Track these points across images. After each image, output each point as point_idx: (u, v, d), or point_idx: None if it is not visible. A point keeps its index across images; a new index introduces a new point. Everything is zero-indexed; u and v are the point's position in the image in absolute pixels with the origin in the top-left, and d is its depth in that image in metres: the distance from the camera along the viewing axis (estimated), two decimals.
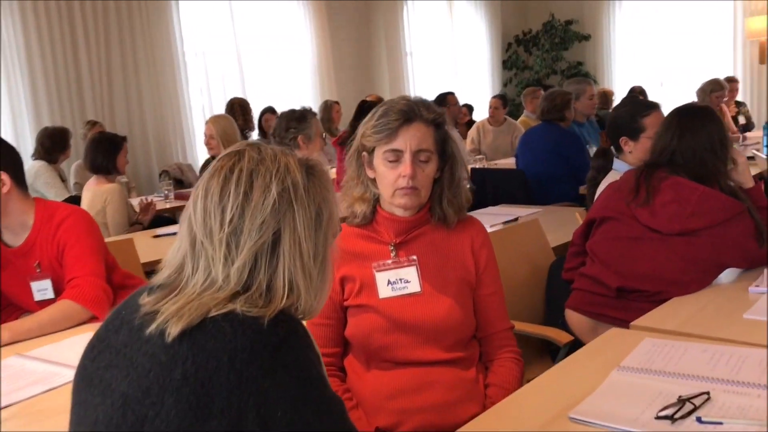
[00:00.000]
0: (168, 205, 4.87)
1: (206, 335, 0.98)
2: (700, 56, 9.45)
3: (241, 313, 1.00)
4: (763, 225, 2.16)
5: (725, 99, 6.60)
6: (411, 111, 1.67)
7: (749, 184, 2.30)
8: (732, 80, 7.56)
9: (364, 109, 5.29)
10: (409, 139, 1.66)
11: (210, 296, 1.03)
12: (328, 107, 7.51)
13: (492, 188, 4.40)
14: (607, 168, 2.89)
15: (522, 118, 7.39)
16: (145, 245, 3.15)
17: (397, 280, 1.73)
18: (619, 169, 2.81)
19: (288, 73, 7.98)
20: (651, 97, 8.00)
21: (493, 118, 6.80)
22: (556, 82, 10.10)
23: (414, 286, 1.73)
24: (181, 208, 4.70)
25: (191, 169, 6.39)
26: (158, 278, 1.10)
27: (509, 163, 5.55)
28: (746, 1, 9.04)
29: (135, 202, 4.40)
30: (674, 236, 2.13)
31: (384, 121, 1.67)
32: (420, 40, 9.16)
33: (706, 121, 2.25)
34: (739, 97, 8.02)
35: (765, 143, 5.32)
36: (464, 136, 7.04)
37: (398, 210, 1.75)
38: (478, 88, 9.88)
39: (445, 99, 6.43)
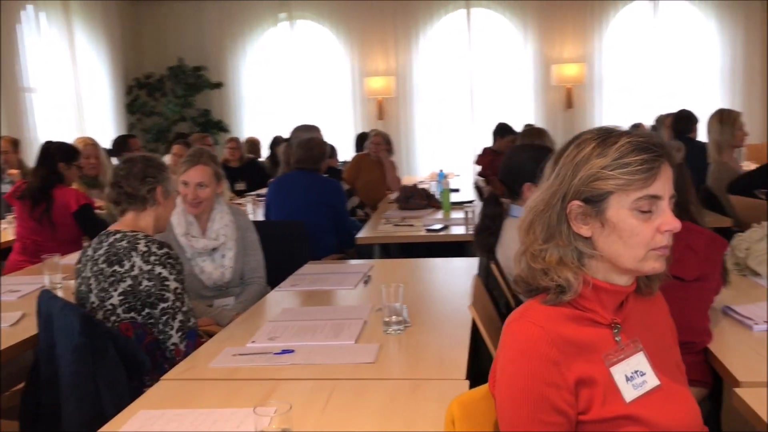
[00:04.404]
0: None
1: None
2: (323, 109, 10.00)
3: None
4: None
5: None
6: (663, 146, 1.26)
7: None
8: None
9: (51, 151, 4.18)
10: (666, 181, 1.25)
11: None
12: None
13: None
14: (502, 215, 2.72)
15: None
16: None
17: (633, 374, 1.28)
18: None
19: None
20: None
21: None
22: (187, 129, 9.59)
23: (651, 378, 1.30)
24: None
25: None
26: None
27: None
28: (363, 64, 9.92)
29: None
30: (692, 282, 2.07)
31: (638, 159, 1.23)
32: (41, 75, 7.73)
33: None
34: None
35: None
36: None
37: (623, 278, 1.30)
38: (103, 131, 8.74)
39: (127, 142, 5.48)
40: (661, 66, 9.67)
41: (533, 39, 9.68)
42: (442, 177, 6.45)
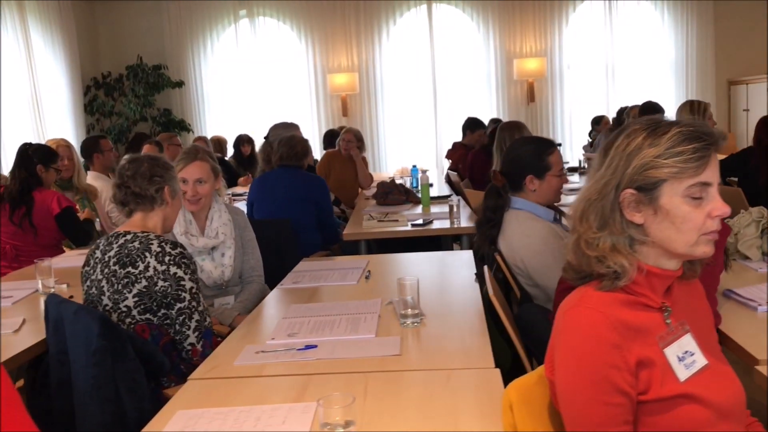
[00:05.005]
0: None
1: None
2: (286, 107, 9.91)
3: None
4: None
5: None
6: (712, 134, 1.31)
7: None
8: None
9: (29, 154, 4.08)
10: (715, 168, 1.31)
11: None
12: None
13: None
14: (504, 207, 2.77)
15: None
16: None
17: (684, 355, 1.33)
18: (525, 207, 2.73)
19: None
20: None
21: None
22: (148, 129, 9.43)
23: (700, 358, 1.35)
24: None
25: None
26: None
27: None
28: (326, 60, 9.89)
29: None
30: (703, 267, 2.14)
31: (691, 147, 1.28)
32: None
33: None
34: None
35: None
36: None
37: (672, 263, 1.35)
38: (62, 132, 8.51)
39: (98, 143, 5.36)
40: (618, 60, 9.90)
41: (495, 34, 9.79)
42: (416, 172, 6.50)
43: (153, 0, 9.69)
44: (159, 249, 2.21)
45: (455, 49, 9.95)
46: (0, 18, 7.49)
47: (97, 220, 4.67)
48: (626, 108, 7.12)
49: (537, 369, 1.43)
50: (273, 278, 3.17)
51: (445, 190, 6.14)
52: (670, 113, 5.85)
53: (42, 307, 2.84)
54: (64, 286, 3.06)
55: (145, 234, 2.26)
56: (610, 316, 1.28)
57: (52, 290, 2.96)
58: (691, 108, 4.82)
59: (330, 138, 7.71)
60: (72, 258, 3.76)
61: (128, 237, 2.26)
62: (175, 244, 2.25)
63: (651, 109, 5.96)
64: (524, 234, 2.65)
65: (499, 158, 4.63)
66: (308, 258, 3.64)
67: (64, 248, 4.19)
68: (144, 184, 2.31)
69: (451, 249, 5.26)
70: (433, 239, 4.69)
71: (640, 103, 6.73)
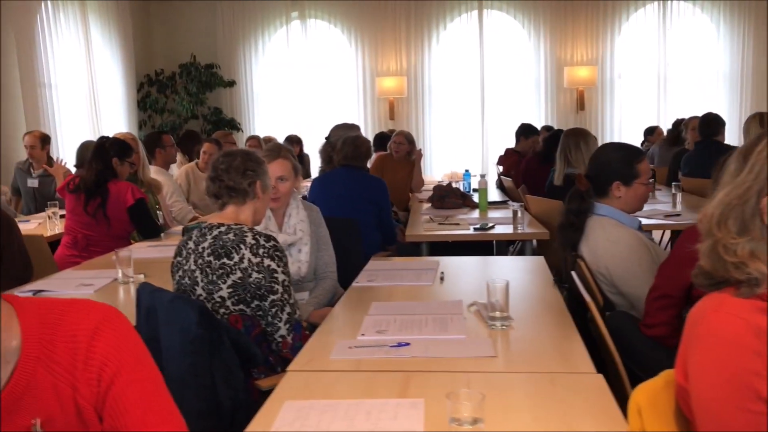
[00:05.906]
0: None
1: None
2: (334, 109, 9.97)
3: None
4: None
5: None
6: None
7: None
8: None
9: (106, 147, 4.17)
10: None
11: None
12: None
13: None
14: (587, 211, 2.75)
15: None
16: None
17: None
18: (610, 214, 2.70)
19: None
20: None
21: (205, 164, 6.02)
22: (198, 127, 9.55)
23: None
24: None
25: None
26: None
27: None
28: (375, 64, 9.94)
29: None
30: None
31: None
32: (58, 71, 7.68)
33: None
34: None
35: None
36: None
37: None
38: (115, 127, 8.69)
39: (160, 138, 5.45)
40: (670, 71, 9.79)
41: (545, 41, 9.76)
42: (468, 176, 6.49)
43: (207, 0, 9.84)
44: (253, 241, 2.24)
45: (505, 55, 9.94)
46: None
47: (160, 213, 4.74)
48: (683, 120, 7.03)
49: (662, 373, 1.42)
50: (340, 276, 3.21)
51: (494, 195, 6.13)
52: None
53: (122, 296, 2.92)
54: (142, 276, 3.11)
55: (239, 226, 2.30)
56: (752, 322, 1.27)
57: (131, 280, 3.02)
58: (761, 120, 4.75)
59: (380, 141, 7.73)
60: (142, 249, 3.83)
61: (222, 229, 2.30)
62: (269, 237, 2.28)
63: (713, 121, 5.88)
64: (610, 241, 2.63)
65: (563, 164, 4.61)
66: (373, 258, 3.65)
67: (131, 240, 4.26)
68: (237, 178, 2.35)
69: (506, 254, 5.25)
70: (486, 244, 4.69)
71: (692, 114, 6.66)
